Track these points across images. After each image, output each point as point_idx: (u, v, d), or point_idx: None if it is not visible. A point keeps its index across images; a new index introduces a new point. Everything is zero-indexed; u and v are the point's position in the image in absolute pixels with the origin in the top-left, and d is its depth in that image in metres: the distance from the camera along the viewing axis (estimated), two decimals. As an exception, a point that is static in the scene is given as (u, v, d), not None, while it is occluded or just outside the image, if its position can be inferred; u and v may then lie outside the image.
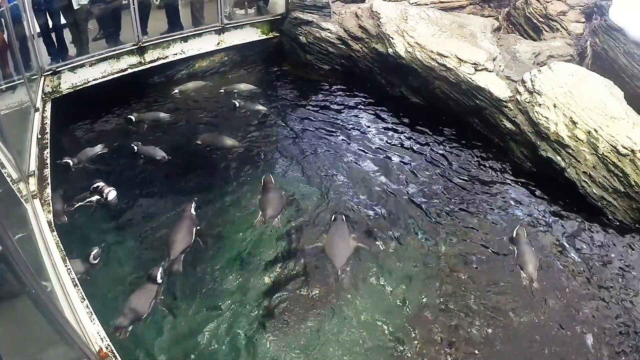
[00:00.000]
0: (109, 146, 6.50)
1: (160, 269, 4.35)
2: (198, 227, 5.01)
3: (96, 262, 4.49)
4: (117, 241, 4.90)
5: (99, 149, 6.36)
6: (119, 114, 7.57)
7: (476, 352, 3.87)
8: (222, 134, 6.94)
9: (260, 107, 7.84)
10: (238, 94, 8.32)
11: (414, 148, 6.78)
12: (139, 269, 4.54)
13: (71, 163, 6.02)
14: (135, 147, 6.42)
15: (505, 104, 6.59)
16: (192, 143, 6.75)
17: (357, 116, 7.71)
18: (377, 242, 4.93)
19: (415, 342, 3.92)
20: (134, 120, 7.24)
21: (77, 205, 5.30)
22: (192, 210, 5.18)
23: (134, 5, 7.32)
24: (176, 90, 8.35)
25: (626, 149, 5.34)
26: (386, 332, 4.00)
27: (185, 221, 4.98)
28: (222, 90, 8.41)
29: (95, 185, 5.49)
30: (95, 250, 4.52)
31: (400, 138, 7.06)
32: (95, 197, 5.41)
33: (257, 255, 4.76)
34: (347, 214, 5.28)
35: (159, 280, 4.28)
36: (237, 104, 7.76)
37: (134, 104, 7.92)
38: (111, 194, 5.45)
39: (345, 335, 3.95)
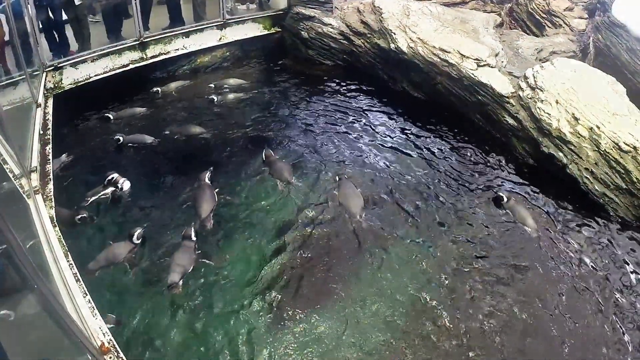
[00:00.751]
0: (73, 153, 6.22)
1: (193, 227, 4.76)
2: (217, 190, 5.44)
3: (139, 241, 4.67)
4: (147, 222, 5.04)
5: (63, 158, 6.04)
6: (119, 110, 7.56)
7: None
8: (188, 123, 7.11)
9: (238, 95, 7.94)
10: (229, 88, 8.29)
11: (415, 143, 6.76)
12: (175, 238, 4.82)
13: None
14: (121, 138, 6.38)
15: (507, 99, 6.58)
16: (172, 133, 6.81)
17: (358, 111, 7.68)
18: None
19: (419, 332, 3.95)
20: (111, 118, 7.16)
21: (91, 200, 5.30)
22: (207, 180, 5.56)
23: (135, 0, 7.31)
24: (156, 89, 8.10)
25: (628, 145, 5.32)
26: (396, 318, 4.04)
27: (205, 187, 5.43)
28: (211, 85, 8.35)
29: (109, 177, 5.46)
30: (138, 231, 4.68)
31: (401, 133, 7.04)
32: (110, 189, 5.41)
33: (273, 217, 5.18)
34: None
35: (194, 238, 4.67)
36: (215, 99, 7.78)
37: (134, 99, 7.90)
38: (126, 184, 5.47)
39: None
